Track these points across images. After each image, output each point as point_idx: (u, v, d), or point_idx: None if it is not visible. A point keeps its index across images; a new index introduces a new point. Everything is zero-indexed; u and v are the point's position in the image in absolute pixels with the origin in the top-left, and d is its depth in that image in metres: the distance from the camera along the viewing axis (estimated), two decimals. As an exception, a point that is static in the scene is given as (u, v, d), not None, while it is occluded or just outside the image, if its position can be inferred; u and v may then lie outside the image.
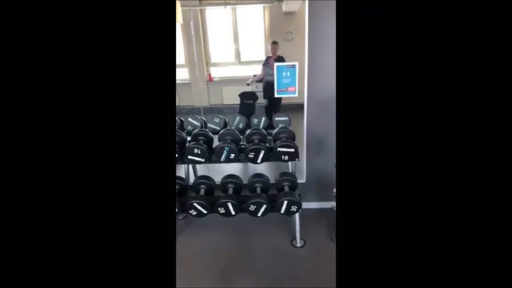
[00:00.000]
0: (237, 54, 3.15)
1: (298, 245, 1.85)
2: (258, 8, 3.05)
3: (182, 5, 2.45)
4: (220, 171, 2.13)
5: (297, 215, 1.79)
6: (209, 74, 3.19)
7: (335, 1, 1.74)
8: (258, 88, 2.82)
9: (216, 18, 3.11)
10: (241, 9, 3.04)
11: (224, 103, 3.15)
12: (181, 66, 3.21)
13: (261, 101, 2.77)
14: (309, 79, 1.90)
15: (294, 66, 1.92)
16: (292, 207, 1.69)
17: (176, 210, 1.72)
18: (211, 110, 2.85)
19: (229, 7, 2.99)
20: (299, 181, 1.98)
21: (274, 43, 2.73)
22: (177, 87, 3.27)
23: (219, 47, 3.19)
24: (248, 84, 2.89)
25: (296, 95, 1.98)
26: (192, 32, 2.70)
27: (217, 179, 1.98)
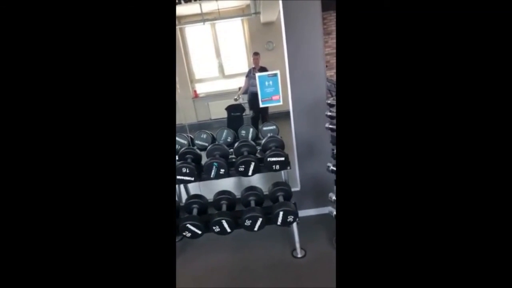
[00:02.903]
0: (221, 69, 3.16)
1: (299, 255, 1.79)
2: (237, 22, 3.09)
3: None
4: (214, 187, 2.09)
5: (294, 225, 1.74)
6: (195, 91, 3.18)
7: (309, 7, 1.75)
8: (244, 100, 2.82)
9: (196, 35, 3.13)
10: (220, 24, 3.06)
11: (212, 118, 3.13)
12: (166, 85, 3.20)
13: (248, 112, 2.75)
14: (292, 86, 1.90)
15: (276, 74, 1.92)
16: (289, 217, 1.64)
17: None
18: (200, 127, 2.82)
19: (208, 24, 3.01)
20: (293, 189, 1.94)
21: (256, 54, 2.73)
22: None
23: (202, 63, 3.19)
24: (235, 99, 2.86)
25: (281, 103, 1.96)
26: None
27: (210, 196, 1.93)
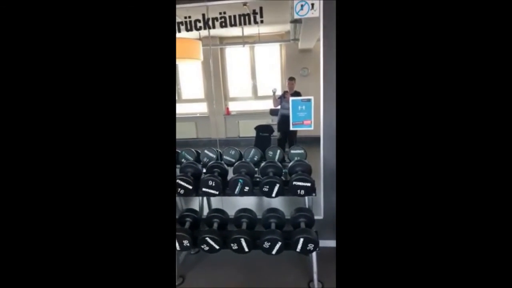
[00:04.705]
0: (254, 90, 3.26)
1: (316, 288, 1.71)
2: (275, 46, 3.21)
3: (203, 45, 2.62)
4: (234, 204, 2.09)
5: (314, 254, 1.68)
6: (227, 108, 3.29)
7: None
8: (274, 121, 2.86)
9: (235, 56, 3.29)
10: (259, 47, 3.20)
11: (241, 135, 3.20)
12: (201, 100, 3.35)
13: (276, 134, 2.78)
14: (324, 113, 1.90)
15: (309, 100, 1.94)
16: (309, 245, 1.59)
17: (188, 244, 1.67)
18: (228, 143, 2.89)
19: (247, 46, 3.16)
20: (316, 217, 1.88)
21: (291, 79, 2.80)
22: (196, 120, 3.39)
23: (237, 83, 3.32)
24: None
25: (312, 128, 1.97)
26: (211, 69, 2.84)
27: (231, 212, 1.93)
